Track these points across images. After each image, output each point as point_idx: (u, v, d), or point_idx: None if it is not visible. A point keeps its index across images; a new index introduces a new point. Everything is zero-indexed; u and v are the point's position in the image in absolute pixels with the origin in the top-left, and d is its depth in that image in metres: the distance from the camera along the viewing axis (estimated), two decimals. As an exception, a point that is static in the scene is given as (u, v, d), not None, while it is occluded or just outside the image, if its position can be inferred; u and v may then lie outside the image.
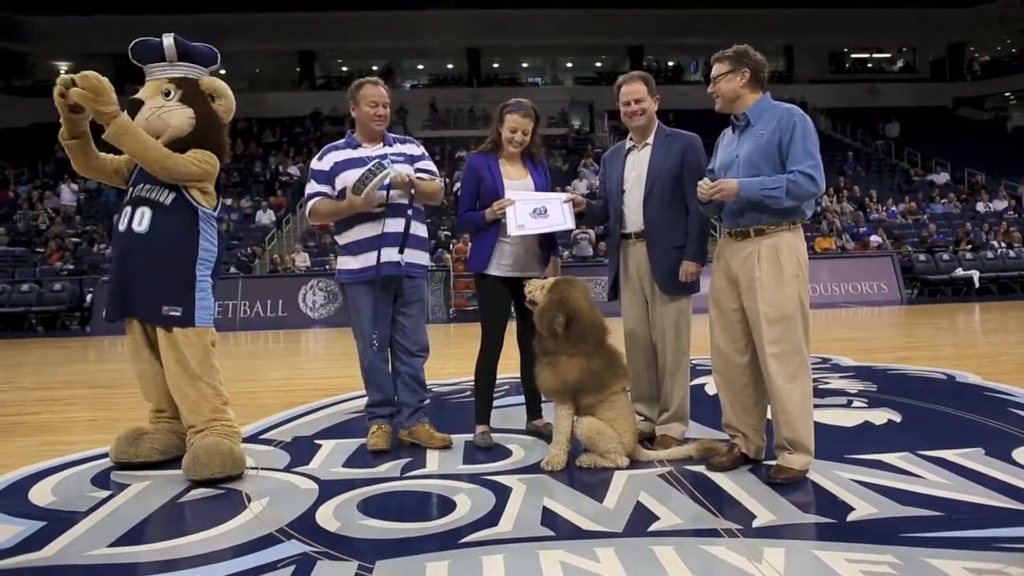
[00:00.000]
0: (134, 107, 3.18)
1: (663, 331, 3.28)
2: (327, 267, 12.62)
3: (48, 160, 19.67)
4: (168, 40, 3.26)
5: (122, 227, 3.19)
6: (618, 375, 3.09)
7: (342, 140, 3.53)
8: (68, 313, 12.36)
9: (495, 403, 3.62)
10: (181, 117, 3.25)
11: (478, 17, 24.70)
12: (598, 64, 28.69)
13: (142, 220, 3.17)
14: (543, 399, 3.51)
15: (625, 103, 3.29)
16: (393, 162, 3.35)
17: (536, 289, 3.14)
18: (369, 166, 3.23)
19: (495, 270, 3.41)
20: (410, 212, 3.38)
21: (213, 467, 2.95)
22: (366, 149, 3.43)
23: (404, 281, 3.38)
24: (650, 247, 3.26)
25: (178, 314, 3.15)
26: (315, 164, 3.45)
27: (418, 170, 3.47)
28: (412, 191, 3.34)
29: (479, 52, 26.84)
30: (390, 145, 3.48)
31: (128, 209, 3.21)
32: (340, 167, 3.38)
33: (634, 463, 3.02)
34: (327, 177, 3.40)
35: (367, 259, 3.34)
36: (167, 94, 3.26)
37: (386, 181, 3.24)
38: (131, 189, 3.29)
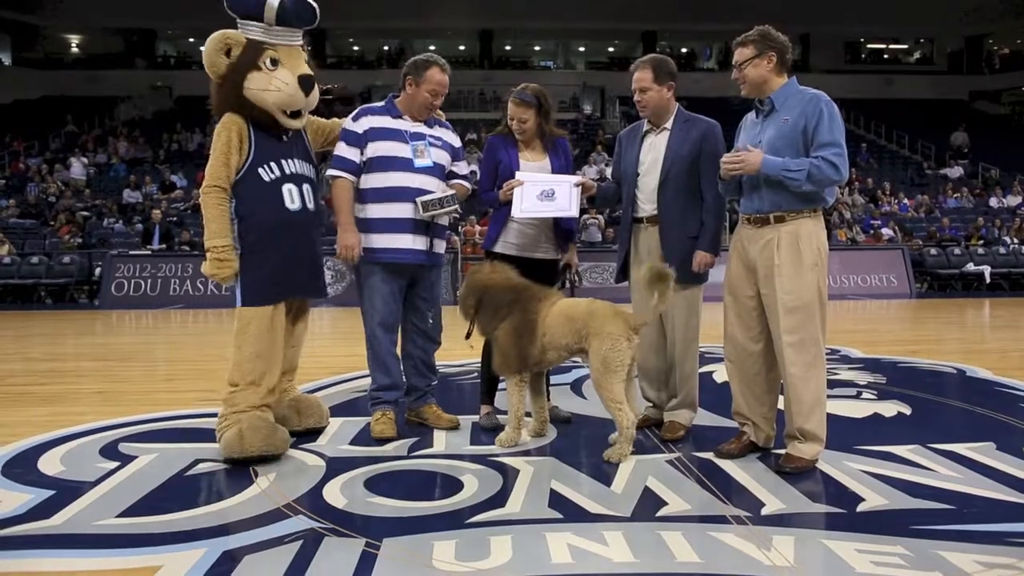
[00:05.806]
0: (310, 84, 3.06)
1: (673, 318, 3.25)
2: (332, 246, 12.61)
3: (58, 133, 19.68)
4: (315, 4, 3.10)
5: (294, 206, 3.04)
6: (540, 296, 3.06)
7: (380, 104, 3.43)
8: (77, 286, 12.42)
9: (501, 385, 3.61)
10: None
11: (492, -2, 24.48)
12: (611, 49, 28.43)
13: (310, 198, 3.14)
14: (550, 381, 3.50)
15: (633, 90, 3.24)
16: (431, 145, 3.34)
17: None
18: (446, 196, 3.26)
19: (500, 248, 3.41)
20: None
21: (316, 417, 3.36)
22: (405, 123, 3.34)
23: (426, 267, 3.39)
24: (663, 234, 3.21)
25: (330, 286, 3.29)
26: (348, 124, 3.32)
27: (452, 174, 3.45)
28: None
29: (491, 34, 26.60)
30: (430, 127, 3.41)
31: (292, 187, 3.05)
32: (375, 134, 3.28)
33: (639, 426, 3.07)
34: (359, 140, 3.27)
35: (391, 240, 3.27)
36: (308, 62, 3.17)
37: (443, 216, 3.34)
38: (272, 164, 3.02)
